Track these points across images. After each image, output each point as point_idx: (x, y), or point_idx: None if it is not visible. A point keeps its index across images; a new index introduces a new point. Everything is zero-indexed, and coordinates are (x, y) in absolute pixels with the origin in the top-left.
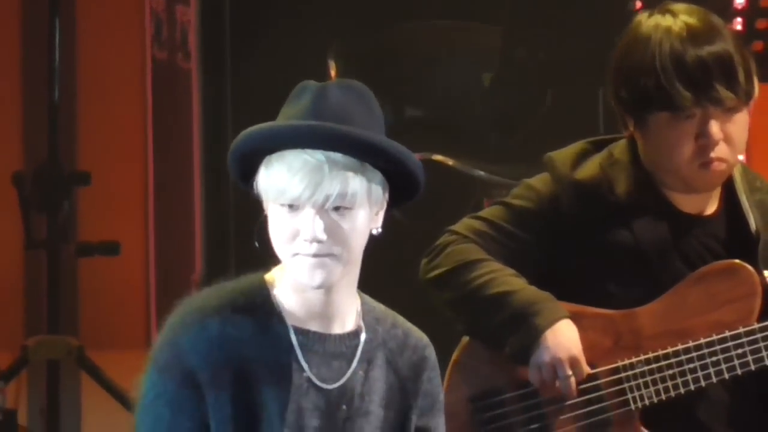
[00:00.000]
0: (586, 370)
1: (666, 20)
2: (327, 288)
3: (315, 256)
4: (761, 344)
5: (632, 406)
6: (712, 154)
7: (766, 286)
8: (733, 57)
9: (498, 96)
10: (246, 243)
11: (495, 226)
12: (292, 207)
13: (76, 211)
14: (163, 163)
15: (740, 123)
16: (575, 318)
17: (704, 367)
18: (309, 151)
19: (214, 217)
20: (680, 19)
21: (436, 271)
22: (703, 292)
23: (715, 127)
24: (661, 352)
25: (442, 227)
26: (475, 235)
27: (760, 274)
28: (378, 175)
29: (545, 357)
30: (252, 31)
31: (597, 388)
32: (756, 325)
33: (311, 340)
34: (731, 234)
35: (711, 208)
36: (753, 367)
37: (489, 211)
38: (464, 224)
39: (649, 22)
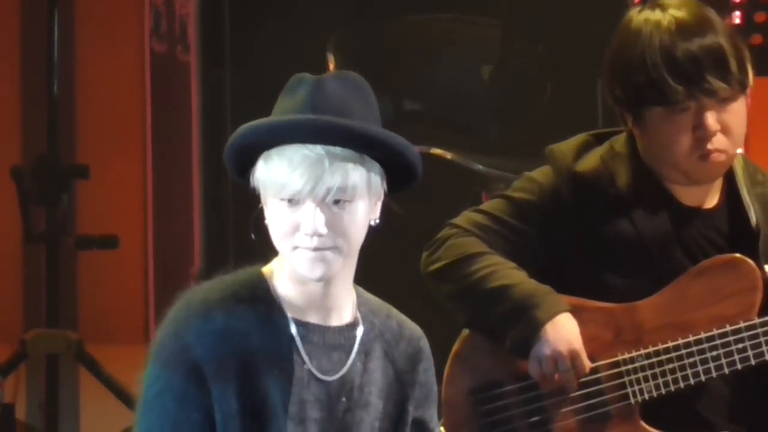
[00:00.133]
0: (587, 363)
1: (655, 15)
2: (326, 280)
3: (316, 249)
4: (762, 339)
5: (632, 400)
6: (710, 146)
7: (766, 280)
8: (724, 48)
9: (497, 89)
10: (244, 236)
11: (496, 219)
12: (292, 201)
13: (75, 205)
14: (162, 156)
15: (737, 112)
16: (576, 311)
17: (704, 361)
18: (308, 144)
19: (212, 211)
20: (669, 13)
21: (437, 264)
22: (704, 285)
23: (710, 119)
24: (661, 346)
25: (441, 221)
26: (476, 228)
27: (761, 268)
28: (376, 166)
29: (545, 350)
30: (251, 24)
31: (597, 382)
32: (757, 320)
33: (311, 332)
34: (732, 227)
35: (712, 201)
36: (753, 362)
37: (490, 204)
38: (465, 217)
39: (639, 17)
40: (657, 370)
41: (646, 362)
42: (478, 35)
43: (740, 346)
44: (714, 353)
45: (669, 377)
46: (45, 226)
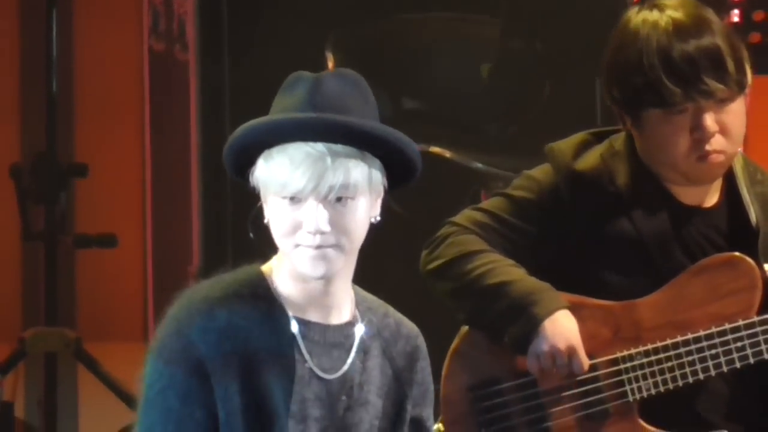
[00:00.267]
0: (585, 360)
1: (653, 15)
2: (327, 278)
3: (318, 247)
4: (760, 338)
5: (630, 398)
6: (708, 147)
7: (766, 279)
8: (721, 49)
9: (496, 87)
10: (243, 235)
11: (496, 218)
12: (294, 199)
13: (74, 203)
14: (160, 155)
15: (736, 113)
16: (575, 308)
17: (703, 360)
18: (310, 142)
19: (211, 209)
20: (667, 14)
21: (436, 262)
22: (704, 284)
23: (709, 120)
24: (660, 344)
25: (440, 219)
26: (475, 227)
27: (761, 267)
28: (377, 163)
29: (544, 346)
30: (250, 22)
31: (595, 379)
32: (755, 318)
33: (312, 330)
34: (732, 226)
35: (712, 200)
36: (752, 361)
37: (490, 203)
38: (465, 215)
39: (637, 18)
40: (655, 368)
41: (644, 360)
42: (476, 34)
43: (739, 344)
44: (712, 352)
45: (667, 375)
46: (43, 224)
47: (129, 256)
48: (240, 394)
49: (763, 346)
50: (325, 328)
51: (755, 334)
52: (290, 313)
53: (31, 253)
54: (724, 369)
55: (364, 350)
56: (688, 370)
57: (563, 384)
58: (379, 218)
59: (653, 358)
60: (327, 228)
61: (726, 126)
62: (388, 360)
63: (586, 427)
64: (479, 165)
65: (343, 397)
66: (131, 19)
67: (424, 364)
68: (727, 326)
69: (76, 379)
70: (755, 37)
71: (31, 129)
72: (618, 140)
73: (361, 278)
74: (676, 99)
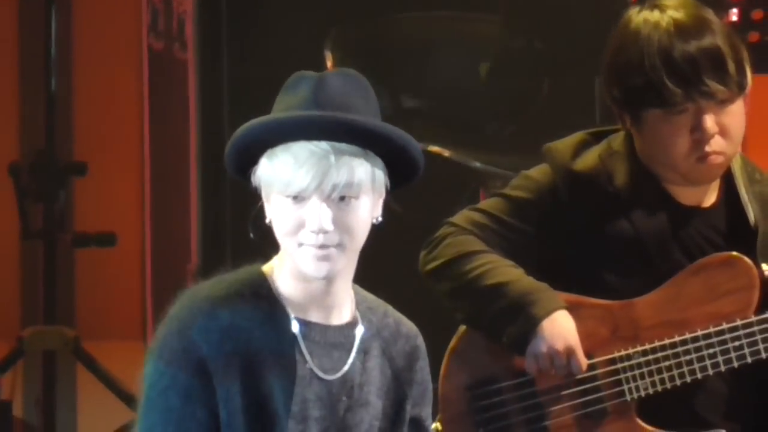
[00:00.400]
0: (583, 360)
1: (654, 16)
2: (329, 278)
3: (321, 246)
4: (758, 337)
5: (628, 397)
6: (708, 148)
7: (764, 278)
8: (721, 50)
9: (495, 86)
10: (242, 233)
11: (494, 218)
12: (297, 198)
13: (73, 202)
14: (159, 153)
15: (735, 114)
16: (573, 308)
17: (701, 358)
18: (313, 141)
19: (210, 208)
20: (668, 14)
21: (435, 263)
22: (702, 283)
23: (709, 121)
24: (657, 344)
25: (439, 218)
26: (473, 227)
27: (759, 266)
28: (380, 162)
29: (542, 347)
30: (249, 21)
31: (593, 379)
32: (753, 318)
33: (313, 330)
34: (730, 225)
35: (710, 200)
36: (749, 360)
37: (488, 203)
38: (463, 216)
39: (637, 18)
40: (653, 367)
41: (642, 359)
42: (476, 32)
43: (737, 344)
44: (710, 350)
45: (665, 375)
46: (42, 222)
47: (128, 254)
48: (241, 394)
49: (761, 345)
50: (326, 328)
51: (753, 334)
52: (291, 314)
53: (29, 252)
54: (722, 368)
55: (364, 350)
56: (685, 369)
57: (561, 383)
58: (380, 219)
59: (651, 357)
60: (330, 227)
61: (726, 127)
62: (387, 360)
63: (583, 426)
64: (478, 164)
65: (344, 398)
66: (130, 17)
67: (423, 364)
68: (725, 326)
69: (75, 378)
70: (754, 36)
71: (30, 127)
72: (616, 140)
73: (359, 277)
74: (677, 99)
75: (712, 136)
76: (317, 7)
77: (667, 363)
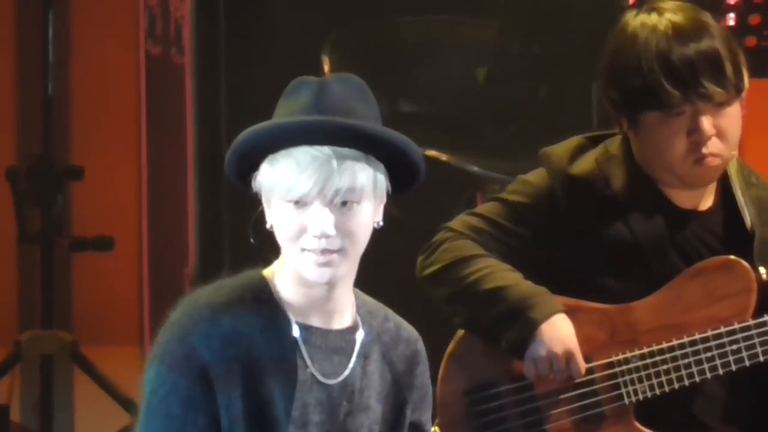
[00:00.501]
0: (582, 364)
1: (652, 19)
2: (331, 283)
3: (324, 251)
4: (756, 340)
5: (626, 401)
6: (705, 150)
7: (761, 282)
8: (719, 52)
9: (492, 90)
10: (239, 238)
11: (491, 222)
12: (299, 203)
13: (70, 206)
14: (156, 158)
15: (732, 117)
16: (571, 312)
17: (699, 362)
18: (315, 146)
19: (207, 213)
20: (666, 17)
21: (432, 268)
22: (699, 287)
23: (706, 123)
24: (655, 347)
25: (436, 222)
26: (471, 232)
27: (756, 270)
28: (381, 167)
29: (541, 351)
30: (246, 26)
31: (591, 382)
32: (751, 321)
33: (314, 335)
34: (727, 229)
35: (707, 203)
36: (747, 363)
37: (485, 208)
38: (460, 221)
39: (635, 21)
40: (651, 370)
41: (640, 363)
42: (473, 36)
43: (735, 347)
44: (708, 354)
45: (663, 378)
46: (39, 227)
47: (125, 258)
48: (242, 400)
49: (759, 349)
50: (327, 333)
51: (750, 337)
52: (292, 318)
53: (27, 256)
54: (720, 371)
55: (364, 355)
56: (683, 372)
57: (559, 387)
58: (381, 224)
59: (649, 361)
60: (332, 231)
61: (722, 129)
62: (387, 364)
63: (582, 430)
64: (476, 168)
65: (344, 403)
66: (128, 22)
67: (424, 369)
68: (723, 329)
69: (72, 382)
70: (751, 41)
71: (28, 132)
72: (613, 144)
73: (357, 281)
74: (674, 101)
75: (709, 138)
76: (315, 11)
77: (665, 367)
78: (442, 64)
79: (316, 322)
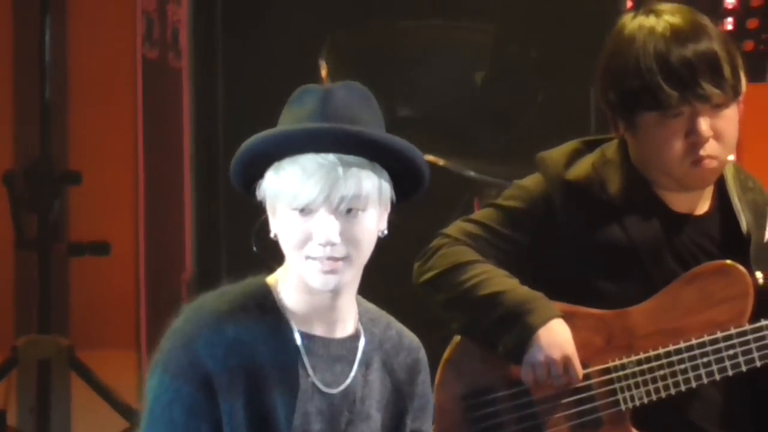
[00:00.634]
0: (580, 369)
1: (649, 21)
2: (335, 292)
3: (329, 259)
4: (752, 345)
5: (623, 407)
6: (702, 152)
7: (757, 286)
8: (718, 54)
9: (489, 95)
10: (236, 243)
11: (487, 228)
12: (304, 210)
13: (67, 211)
14: (153, 163)
15: (730, 119)
16: (567, 317)
17: (695, 368)
18: (321, 153)
19: (204, 218)
20: (663, 19)
21: (429, 274)
22: (696, 291)
23: (704, 125)
24: (652, 353)
25: (433, 227)
26: (467, 238)
27: (752, 274)
28: (386, 174)
29: (539, 356)
30: (243, 30)
31: (588, 388)
32: (747, 327)
33: (316, 344)
34: (724, 233)
35: (703, 207)
36: (744, 369)
37: (481, 214)
38: (456, 227)
39: (633, 23)
40: (648, 376)
41: (637, 368)
42: (470, 41)
43: (731, 353)
44: (705, 359)
45: (660, 383)
46: (37, 232)
47: (122, 263)
48: (245, 408)
49: (755, 354)
50: (329, 342)
51: (747, 342)
52: (295, 327)
53: (24, 261)
54: (717, 377)
55: (365, 363)
56: (680, 378)
57: (556, 393)
58: (386, 232)
59: (645, 366)
60: (337, 239)
61: (720, 131)
62: (388, 373)
63: None
64: (473, 173)
65: (345, 412)
66: (125, 26)
67: (425, 377)
68: (719, 335)
69: (69, 387)
70: (749, 45)
71: (25, 136)
72: (609, 149)
73: None
74: (673, 102)
75: (707, 140)
76: (312, 16)
77: (661, 372)
78: (440, 68)
79: (318, 330)
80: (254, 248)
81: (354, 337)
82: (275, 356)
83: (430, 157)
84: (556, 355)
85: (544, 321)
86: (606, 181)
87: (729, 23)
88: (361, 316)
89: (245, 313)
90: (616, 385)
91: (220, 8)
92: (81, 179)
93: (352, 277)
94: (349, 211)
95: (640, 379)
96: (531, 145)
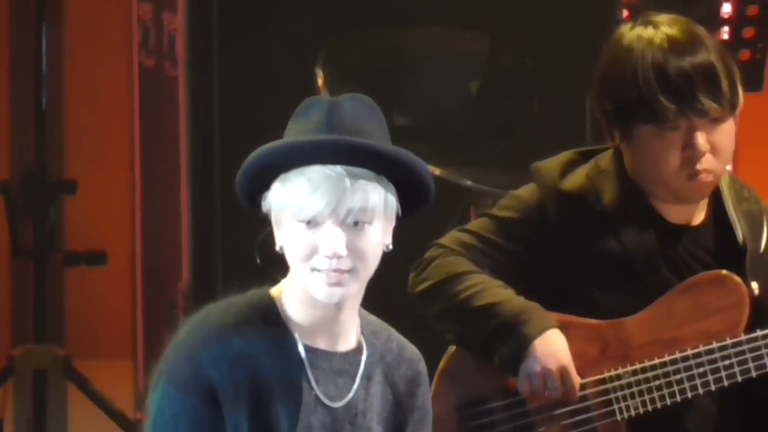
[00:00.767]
0: (576, 380)
1: (647, 32)
2: (340, 305)
3: (334, 271)
4: (748, 355)
5: (618, 417)
6: (699, 166)
7: (753, 296)
8: (716, 67)
9: (485, 104)
10: (233, 252)
11: (482, 239)
12: (311, 222)
13: (63, 220)
14: (150, 171)
15: (726, 133)
16: (563, 328)
17: (691, 378)
18: (328, 165)
19: (201, 227)
20: (661, 30)
21: (424, 285)
22: (691, 302)
23: (701, 139)
24: (647, 363)
25: (429, 236)
26: (462, 248)
27: (748, 284)
28: (392, 188)
29: (535, 366)
30: (240, 39)
31: (583, 399)
32: (743, 337)
33: (319, 357)
34: (719, 244)
35: (699, 218)
36: (739, 379)
37: (476, 224)
38: (451, 237)
39: (631, 34)
40: (643, 387)
41: (632, 379)
42: (466, 50)
43: (726, 363)
44: (700, 370)
45: (655, 394)
46: (32, 241)
47: (118, 272)
48: (249, 420)
49: (751, 364)
50: (332, 355)
51: (743, 352)
52: (299, 340)
53: (20, 270)
54: (712, 387)
55: (367, 376)
56: (676, 388)
57: (552, 403)
58: (391, 247)
59: (641, 376)
60: (344, 251)
61: (716, 146)
62: (389, 385)
63: None
64: (469, 182)
65: (347, 425)
66: (121, 34)
67: (425, 389)
68: (715, 345)
69: (65, 397)
70: (745, 54)
71: (21, 145)
72: (604, 159)
73: None
74: (670, 115)
75: (704, 155)
76: (308, 24)
77: (657, 382)
78: (435, 77)
79: (321, 344)
80: (258, 260)
81: (356, 351)
82: (279, 369)
83: None
84: (553, 365)
85: (540, 331)
86: (601, 191)
87: (725, 32)
88: (363, 329)
89: (250, 326)
90: (612, 396)
91: (216, 17)
92: (76, 188)
93: (357, 290)
94: (356, 224)
95: (635, 389)
96: (527, 154)
